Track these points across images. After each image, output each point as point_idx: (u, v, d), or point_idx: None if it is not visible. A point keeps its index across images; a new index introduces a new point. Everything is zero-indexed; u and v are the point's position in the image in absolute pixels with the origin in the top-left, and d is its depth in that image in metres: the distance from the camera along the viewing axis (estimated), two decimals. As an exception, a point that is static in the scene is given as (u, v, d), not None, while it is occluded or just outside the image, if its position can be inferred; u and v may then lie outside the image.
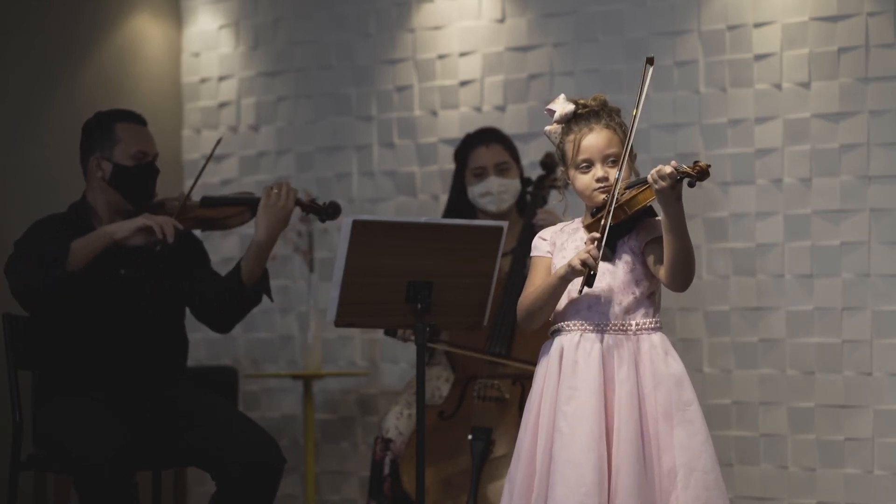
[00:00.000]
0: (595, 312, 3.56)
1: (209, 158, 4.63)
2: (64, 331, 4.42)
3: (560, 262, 3.61)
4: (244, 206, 4.57)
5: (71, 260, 4.22)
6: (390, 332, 4.92)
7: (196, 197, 4.63)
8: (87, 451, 4.11)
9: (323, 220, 4.61)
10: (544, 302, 3.61)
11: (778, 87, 5.22)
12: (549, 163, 5.11)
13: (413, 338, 4.80)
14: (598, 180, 3.58)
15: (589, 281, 3.47)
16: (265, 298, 4.59)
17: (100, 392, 4.38)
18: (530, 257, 3.72)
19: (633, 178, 3.60)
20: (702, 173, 3.41)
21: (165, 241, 4.29)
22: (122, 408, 4.36)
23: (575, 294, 3.56)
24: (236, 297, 4.49)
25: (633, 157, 3.64)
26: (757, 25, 5.24)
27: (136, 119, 4.54)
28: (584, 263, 3.45)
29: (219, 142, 4.66)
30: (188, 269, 4.57)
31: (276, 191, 4.44)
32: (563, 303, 3.59)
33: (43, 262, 4.23)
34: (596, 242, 3.46)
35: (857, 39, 5.08)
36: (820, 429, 5.12)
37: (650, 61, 3.51)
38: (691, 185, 3.43)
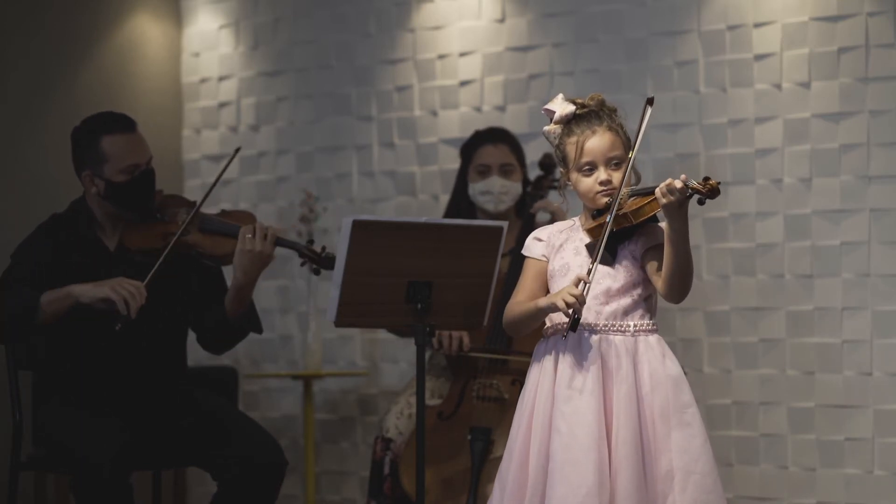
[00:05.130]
0: (593, 313, 3.54)
1: (220, 175, 4.57)
2: (65, 332, 4.41)
3: (558, 263, 3.60)
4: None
5: (41, 315, 4.19)
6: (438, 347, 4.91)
7: (202, 192, 4.56)
8: (88, 450, 4.11)
9: (317, 272, 4.41)
10: (525, 324, 3.62)
11: (778, 87, 5.21)
12: (547, 163, 5.11)
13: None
14: (601, 183, 3.56)
15: (573, 325, 3.43)
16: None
17: (100, 392, 4.38)
18: (524, 256, 3.69)
19: (634, 183, 3.57)
20: (712, 191, 3.38)
21: (128, 318, 4.16)
22: (122, 408, 4.35)
23: (562, 333, 3.52)
24: (223, 331, 4.47)
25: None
26: (757, 25, 5.24)
27: (123, 127, 4.37)
28: (569, 306, 3.42)
29: (237, 151, 4.56)
30: (200, 298, 4.51)
31: (249, 236, 4.29)
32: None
33: (16, 312, 4.19)
34: (582, 284, 3.44)
35: (857, 39, 5.08)
36: (820, 429, 5.12)
37: (650, 102, 3.49)
38: (701, 202, 3.40)
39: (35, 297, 4.19)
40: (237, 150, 4.57)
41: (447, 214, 5.20)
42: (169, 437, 4.39)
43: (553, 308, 3.48)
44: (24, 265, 4.33)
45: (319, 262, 4.40)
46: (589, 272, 3.45)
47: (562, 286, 3.57)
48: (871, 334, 5.05)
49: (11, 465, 4.39)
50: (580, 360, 3.51)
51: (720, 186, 3.40)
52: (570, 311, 3.42)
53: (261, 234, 4.30)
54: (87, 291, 4.19)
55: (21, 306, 4.20)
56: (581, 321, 3.51)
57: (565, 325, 3.46)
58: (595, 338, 3.53)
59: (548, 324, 3.61)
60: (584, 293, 3.42)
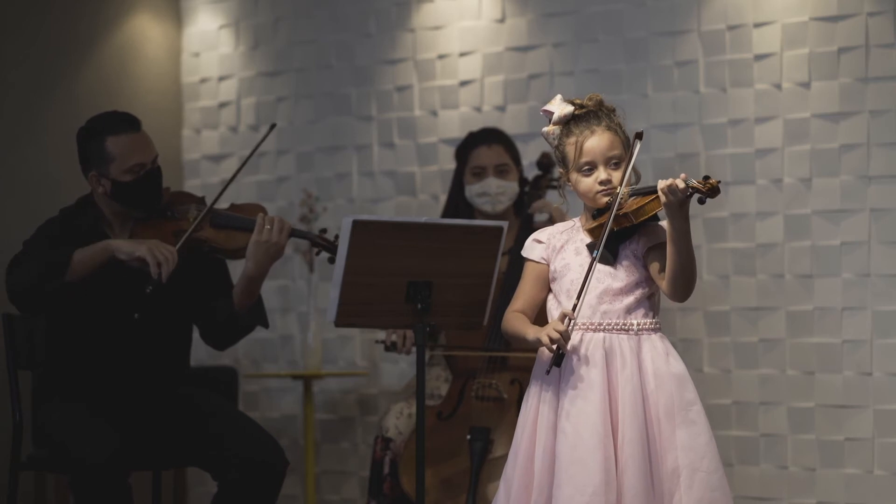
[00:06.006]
0: (596, 312, 3.55)
1: (254, 151, 4.56)
2: (66, 331, 4.42)
3: (559, 265, 3.60)
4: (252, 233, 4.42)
5: (71, 270, 4.21)
6: (391, 348, 4.92)
7: (202, 192, 4.55)
8: (84, 451, 4.11)
9: (332, 261, 4.38)
10: (517, 344, 3.64)
11: (778, 87, 5.21)
12: (545, 163, 5.11)
13: (411, 349, 4.82)
14: (601, 183, 3.56)
15: (557, 360, 3.45)
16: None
17: (100, 392, 4.38)
18: (524, 258, 3.69)
19: (634, 181, 3.57)
20: (712, 190, 3.39)
21: (159, 281, 4.20)
22: (122, 408, 4.35)
23: (546, 368, 3.52)
24: (230, 324, 4.47)
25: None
26: (757, 25, 5.24)
27: (127, 127, 4.36)
28: (553, 341, 3.43)
29: (272, 127, 4.56)
30: (205, 292, 4.51)
31: (268, 227, 4.32)
32: (563, 304, 3.57)
33: (43, 269, 4.20)
34: (567, 320, 3.44)
35: (857, 39, 5.08)
36: (820, 429, 5.12)
37: (639, 136, 3.50)
38: (701, 201, 3.41)
39: (67, 251, 4.21)
40: (272, 126, 4.58)
41: (445, 216, 5.20)
42: (169, 438, 4.39)
43: (539, 343, 3.49)
44: (41, 243, 4.33)
45: (333, 249, 4.40)
46: (574, 307, 3.46)
47: (564, 286, 3.58)
48: (871, 334, 5.05)
49: (11, 465, 4.39)
50: (585, 359, 3.51)
51: (720, 186, 3.41)
52: (554, 346, 3.43)
53: (278, 225, 4.33)
54: (124, 246, 4.23)
55: (49, 263, 4.20)
56: (585, 321, 3.52)
57: (549, 360, 3.48)
58: (599, 337, 3.53)
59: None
60: (570, 329, 3.44)
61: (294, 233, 4.39)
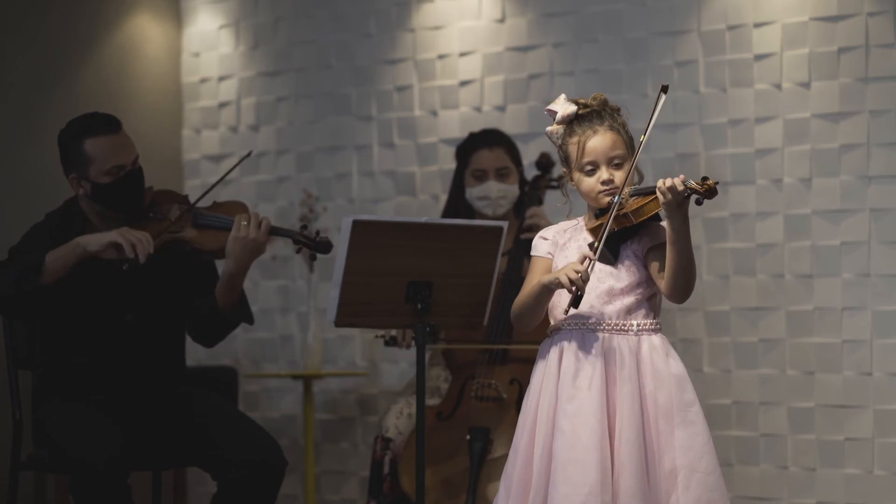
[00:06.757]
0: (596, 312, 3.55)
1: (229, 171, 4.57)
2: (60, 332, 4.41)
3: (562, 262, 3.61)
4: None
5: (45, 272, 4.19)
6: (391, 342, 4.90)
7: (202, 192, 4.54)
8: (83, 452, 4.11)
9: (314, 258, 4.42)
10: (530, 307, 3.60)
11: (778, 87, 5.22)
12: (544, 163, 5.11)
13: (411, 343, 4.82)
14: (603, 183, 3.57)
15: (575, 302, 3.45)
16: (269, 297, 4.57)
17: (99, 393, 4.38)
18: (530, 256, 3.71)
19: (636, 181, 3.58)
20: (710, 191, 3.40)
21: (136, 261, 4.19)
22: (121, 409, 4.35)
23: (561, 315, 3.54)
24: (214, 321, 4.47)
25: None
26: (757, 25, 5.24)
27: (106, 129, 4.34)
28: (572, 282, 3.43)
29: (248, 154, 4.56)
30: (193, 291, 4.51)
31: (245, 223, 4.30)
32: (564, 302, 3.58)
33: (18, 274, 4.19)
34: (587, 262, 3.45)
35: (857, 39, 5.08)
36: (820, 429, 5.12)
37: (664, 89, 3.50)
38: (699, 202, 3.42)
39: (39, 256, 4.20)
40: (248, 154, 4.58)
41: (445, 217, 5.19)
42: (169, 438, 4.39)
43: (557, 284, 3.47)
44: (27, 248, 4.32)
45: (315, 246, 4.37)
46: (594, 249, 3.45)
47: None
48: (871, 334, 5.05)
49: (11, 465, 4.39)
50: (584, 358, 3.52)
51: (718, 187, 3.42)
52: (573, 287, 3.43)
53: (255, 221, 4.31)
54: (92, 239, 4.22)
55: (24, 267, 4.19)
56: (584, 321, 3.52)
57: (568, 302, 3.47)
58: (598, 337, 3.54)
59: (552, 322, 3.62)
60: (589, 270, 3.43)
61: (275, 231, 4.37)
